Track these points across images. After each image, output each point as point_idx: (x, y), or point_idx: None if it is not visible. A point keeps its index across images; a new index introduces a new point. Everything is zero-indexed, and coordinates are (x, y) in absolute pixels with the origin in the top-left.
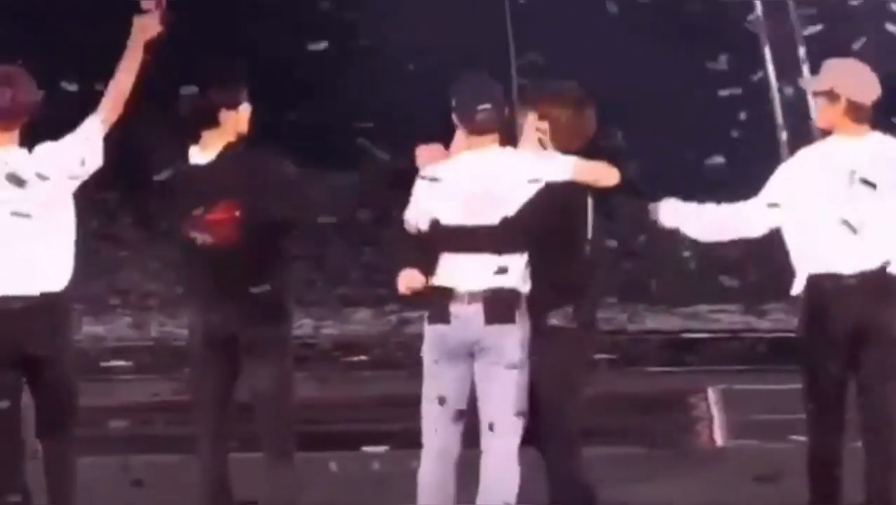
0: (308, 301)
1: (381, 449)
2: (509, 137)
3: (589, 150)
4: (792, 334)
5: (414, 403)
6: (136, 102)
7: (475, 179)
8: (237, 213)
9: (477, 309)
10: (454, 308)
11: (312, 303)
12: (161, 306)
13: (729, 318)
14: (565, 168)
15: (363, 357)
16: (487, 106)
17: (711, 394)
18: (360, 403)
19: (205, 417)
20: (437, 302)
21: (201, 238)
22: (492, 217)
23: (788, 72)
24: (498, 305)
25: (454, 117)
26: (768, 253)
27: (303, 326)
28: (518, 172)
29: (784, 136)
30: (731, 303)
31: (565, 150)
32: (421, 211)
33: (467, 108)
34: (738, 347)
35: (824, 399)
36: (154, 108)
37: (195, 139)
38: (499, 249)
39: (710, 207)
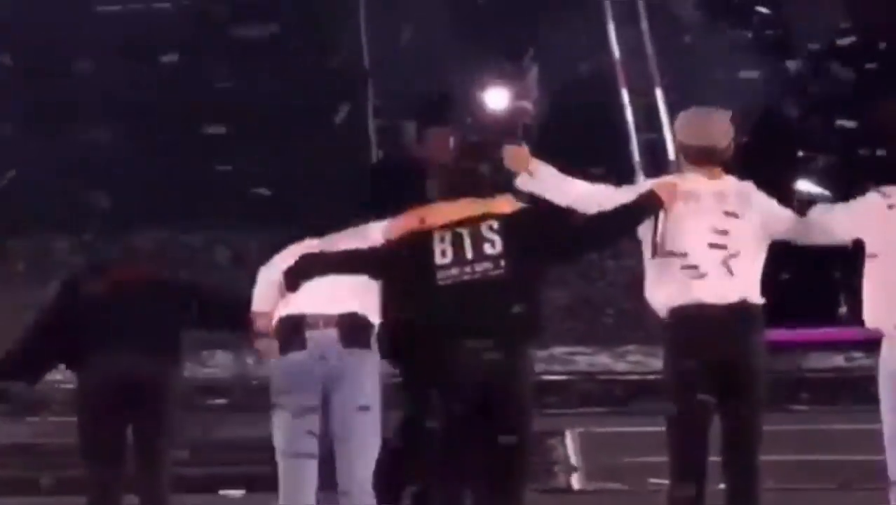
0: None
1: (238, 492)
2: None
3: None
4: (650, 376)
5: (272, 446)
6: None
7: None
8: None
9: (332, 333)
10: (309, 333)
11: None
12: None
13: (586, 360)
14: None
15: (221, 400)
16: None
17: (569, 436)
18: (217, 446)
19: (97, 464)
20: (290, 331)
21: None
22: None
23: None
24: (353, 329)
25: None
26: (625, 295)
27: None
28: None
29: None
30: (587, 345)
31: None
32: None
33: None
34: (595, 389)
35: (688, 436)
36: None
37: None
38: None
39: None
